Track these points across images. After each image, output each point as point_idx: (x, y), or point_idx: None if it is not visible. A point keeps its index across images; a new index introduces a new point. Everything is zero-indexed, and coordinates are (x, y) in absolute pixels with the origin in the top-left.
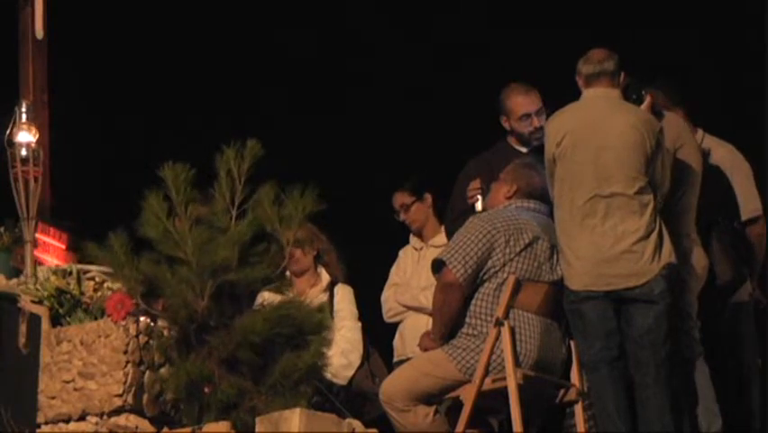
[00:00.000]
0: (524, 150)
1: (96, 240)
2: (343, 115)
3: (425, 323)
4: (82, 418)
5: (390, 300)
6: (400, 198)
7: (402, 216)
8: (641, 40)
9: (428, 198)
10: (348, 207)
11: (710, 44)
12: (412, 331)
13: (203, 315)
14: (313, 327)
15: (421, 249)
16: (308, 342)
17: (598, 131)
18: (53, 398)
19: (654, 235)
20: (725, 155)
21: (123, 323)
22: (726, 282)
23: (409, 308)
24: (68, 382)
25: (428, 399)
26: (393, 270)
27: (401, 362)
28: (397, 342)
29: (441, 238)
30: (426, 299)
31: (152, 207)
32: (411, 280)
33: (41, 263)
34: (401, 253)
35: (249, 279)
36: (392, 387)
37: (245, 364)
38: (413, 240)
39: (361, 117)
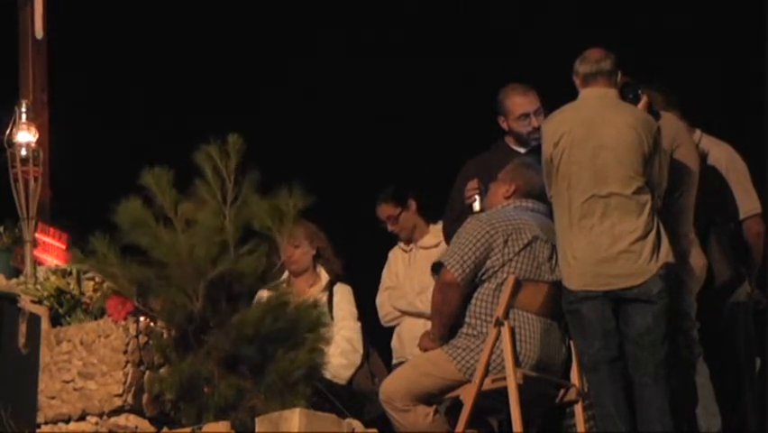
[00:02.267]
0: (522, 150)
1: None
2: (341, 115)
3: (422, 325)
4: (82, 418)
5: (386, 305)
6: (386, 211)
7: (390, 228)
8: (640, 40)
9: (412, 204)
10: (346, 206)
11: (711, 44)
12: (409, 333)
13: (200, 315)
14: (309, 324)
15: (410, 250)
16: (305, 340)
17: (595, 131)
18: (53, 398)
19: (652, 235)
20: (721, 155)
21: (123, 323)
22: (724, 282)
23: (406, 313)
24: (67, 382)
25: (428, 399)
26: (385, 273)
27: (400, 363)
28: (395, 344)
29: (429, 239)
30: (422, 304)
31: (135, 215)
32: (404, 282)
33: (41, 263)
34: (390, 255)
35: (242, 274)
36: (392, 387)
37: (244, 364)
38: (401, 242)
39: (358, 117)
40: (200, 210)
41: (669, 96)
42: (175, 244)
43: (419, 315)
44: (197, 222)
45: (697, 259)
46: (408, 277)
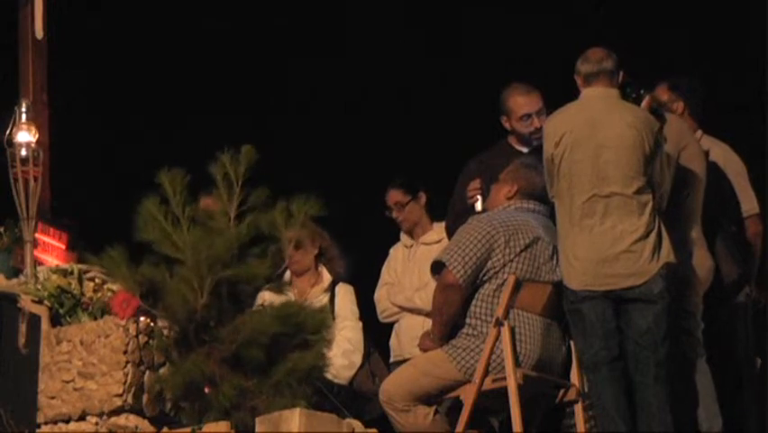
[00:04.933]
0: (524, 150)
1: (95, 240)
2: (344, 114)
3: (420, 323)
4: (82, 418)
5: (384, 301)
6: (395, 196)
7: (395, 214)
8: (642, 39)
9: (422, 196)
10: (348, 206)
11: (711, 44)
12: (408, 332)
13: (202, 314)
14: (314, 327)
15: (411, 247)
16: (309, 342)
17: (596, 130)
18: (53, 398)
19: (653, 235)
20: (719, 155)
21: (123, 323)
22: (732, 282)
23: (403, 309)
24: (67, 382)
25: (428, 399)
26: (384, 269)
27: (398, 362)
28: (393, 342)
29: (431, 236)
30: (421, 300)
31: (149, 212)
32: (403, 278)
33: (41, 263)
34: (392, 251)
35: (247, 276)
36: (392, 387)
37: (245, 365)
38: (403, 238)
39: (360, 116)
40: (214, 207)
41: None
42: (183, 242)
43: (417, 311)
44: (207, 223)
45: (704, 260)
46: (408, 273)
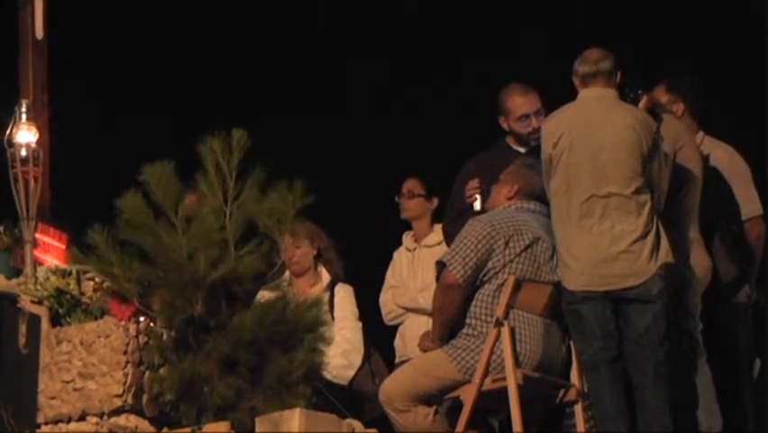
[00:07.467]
0: (522, 150)
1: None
2: (344, 115)
3: (424, 324)
4: (82, 418)
5: (389, 303)
6: (411, 185)
7: (402, 200)
8: (641, 38)
9: (435, 201)
10: (348, 206)
11: (711, 44)
12: (412, 332)
13: (200, 317)
14: (308, 324)
15: (414, 249)
16: (304, 340)
17: (594, 131)
18: (53, 398)
19: (652, 235)
20: (722, 156)
21: (124, 323)
22: (730, 282)
23: (408, 309)
24: (67, 383)
25: (428, 399)
26: (389, 272)
27: (403, 363)
28: (398, 343)
29: (432, 238)
30: (425, 300)
31: (135, 212)
32: (407, 281)
33: (41, 263)
34: (395, 254)
35: (242, 276)
36: (392, 387)
37: (242, 365)
38: (406, 240)
39: (362, 117)
40: (201, 204)
41: (690, 97)
42: (175, 245)
43: (422, 311)
44: (198, 220)
45: (702, 260)
46: (411, 274)
